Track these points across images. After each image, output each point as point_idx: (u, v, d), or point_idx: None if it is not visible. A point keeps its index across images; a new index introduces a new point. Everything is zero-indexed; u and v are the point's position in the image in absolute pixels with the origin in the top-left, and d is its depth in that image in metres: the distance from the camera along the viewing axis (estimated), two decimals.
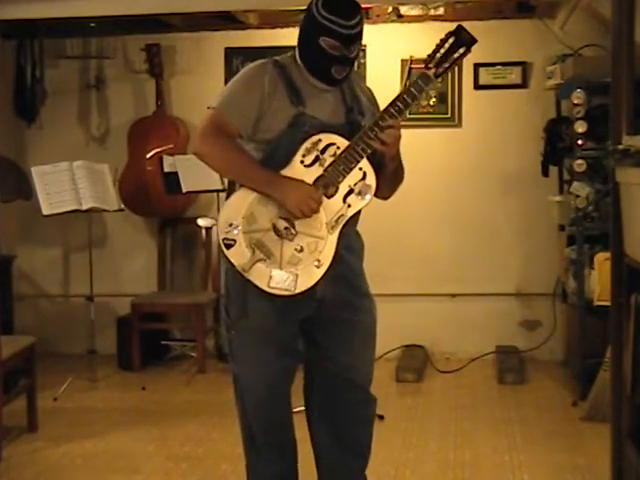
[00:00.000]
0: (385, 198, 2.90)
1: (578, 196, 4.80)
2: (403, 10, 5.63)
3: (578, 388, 4.75)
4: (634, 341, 2.94)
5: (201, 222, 5.75)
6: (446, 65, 2.65)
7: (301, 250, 2.67)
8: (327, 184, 2.66)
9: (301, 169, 2.66)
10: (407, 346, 5.81)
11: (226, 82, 5.93)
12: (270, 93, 2.69)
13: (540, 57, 5.66)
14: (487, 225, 5.84)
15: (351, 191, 2.68)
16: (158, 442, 4.27)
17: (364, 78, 5.68)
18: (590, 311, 4.64)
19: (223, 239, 2.68)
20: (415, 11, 5.64)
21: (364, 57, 5.79)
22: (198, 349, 5.57)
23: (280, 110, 2.69)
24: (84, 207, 5.19)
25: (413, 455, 4.01)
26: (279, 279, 2.66)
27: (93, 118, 6.20)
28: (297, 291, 2.66)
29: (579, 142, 4.77)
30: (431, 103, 5.82)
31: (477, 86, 5.81)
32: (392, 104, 2.64)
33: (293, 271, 2.66)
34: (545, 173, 5.43)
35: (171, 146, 5.84)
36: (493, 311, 5.81)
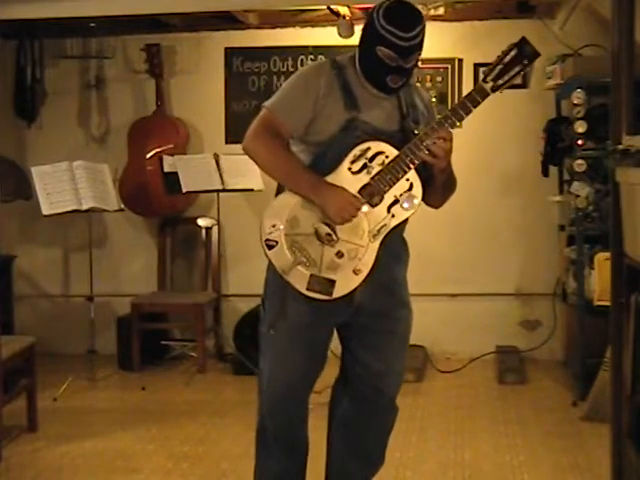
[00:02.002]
0: (436, 207, 2.91)
1: (578, 196, 4.80)
2: None
3: (578, 388, 4.75)
4: (634, 341, 2.95)
5: (201, 222, 5.76)
6: (505, 79, 2.61)
7: (341, 256, 2.67)
8: (372, 193, 2.66)
9: (348, 176, 2.66)
10: None
11: (226, 82, 6.02)
12: (325, 95, 2.68)
13: (540, 57, 5.64)
14: (487, 225, 5.84)
15: (396, 201, 2.68)
16: (158, 442, 4.27)
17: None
18: (590, 311, 4.64)
19: (265, 240, 2.70)
20: None
21: None
22: (198, 349, 5.57)
23: (334, 113, 2.68)
24: (84, 207, 5.19)
25: (413, 455, 4.01)
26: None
27: (93, 118, 6.20)
28: (334, 296, 2.68)
29: (579, 142, 4.77)
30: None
31: None
32: (445, 116, 2.62)
33: (332, 276, 2.67)
34: (545, 173, 5.43)
35: (171, 146, 5.84)
36: (493, 311, 5.81)
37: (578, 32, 5.46)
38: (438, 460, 3.95)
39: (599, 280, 4.51)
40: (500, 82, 2.62)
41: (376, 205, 2.67)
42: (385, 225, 2.69)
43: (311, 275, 2.67)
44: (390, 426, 2.99)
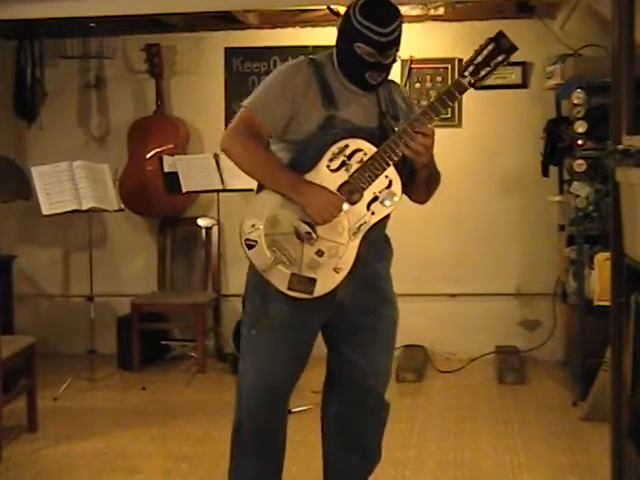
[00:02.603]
0: (421, 203, 2.91)
1: (578, 196, 4.80)
2: (403, 10, 5.54)
3: (578, 388, 4.75)
4: (634, 341, 2.94)
5: (201, 222, 5.76)
6: (482, 74, 2.61)
7: (321, 254, 2.67)
8: (352, 190, 2.66)
9: (327, 173, 2.66)
10: (407, 346, 5.80)
11: (226, 82, 6.02)
12: (303, 93, 2.68)
13: (540, 57, 5.66)
14: (487, 225, 5.84)
15: (376, 198, 2.67)
16: (158, 442, 4.27)
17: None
18: (590, 311, 4.64)
19: (245, 239, 2.69)
20: (415, 11, 5.64)
21: None
22: (198, 349, 5.57)
23: (312, 111, 2.67)
24: (84, 207, 5.19)
25: (413, 455, 4.01)
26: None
27: (93, 118, 6.20)
28: (315, 295, 2.67)
29: (579, 142, 4.76)
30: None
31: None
32: (423, 112, 2.62)
33: (312, 275, 2.66)
34: (545, 173, 5.43)
35: (171, 146, 5.84)
36: (493, 311, 5.81)
37: (578, 32, 5.46)
38: (438, 460, 3.95)
39: (599, 280, 4.51)
40: (478, 77, 2.62)
41: (355, 203, 2.67)
42: (365, 222, 2.68)
43: (292, 274, 2.67)
44: (383, 422, 2.98)
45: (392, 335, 2.92)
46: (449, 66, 5.74)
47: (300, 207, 2.65)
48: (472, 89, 2.65)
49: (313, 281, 2.67)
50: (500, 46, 2.59)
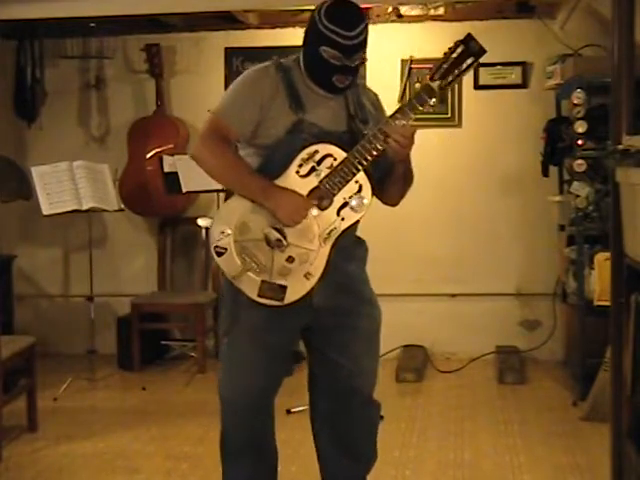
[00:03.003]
0: (393, 204, 2.89)
1: (578, 196, 4.80)
2: (403, 10, 5.63)
3: (578, 388, 4.75)
4: (634, 341, 2.94)
5: (201, 222, 5.74)
6: (451, 78, 2.59)
7: (292, 261, 2.65)
8: (322, 196, 2.64)
9: (296, 179, 2.64)
10: (407, 346, 5.80)
11: (226, 82, 6.02)
12: (271, 98, 2.66)
13: (540, 57, 5.66)
14: (487, 225, 5.84)
15: (346, 204, 2.65)
16: (158, 442, 4.27)
17: (364, 77, 5.68)
18: (590, 311, 4.64)
19: (215, 247, 2.68)
20: (415, 11, 5.64)
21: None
22: (198, 349, 5.57)
23: (280, 116, 2.66)
24: (84, 207, 5.19)
25: (413, 455, 4.01)
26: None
27: (93, 118, 6.21)
28: (286, 302, 2.65)
29: (579, 142, 4.76)
30: (431, 103, 5.81)
31: (477, 86, 5.80)
32: (392, 116, 2.61)
33: (283, 282, 2.65)
34: (545, 173, 5.43)
35: (171, 146, 5.84)
36: (493, 311, 5.80)
37: (578, 32, 5.46)
38: (438, 460, 3.95)
39: (599, 280, 4.51)
40: (447, 80, 2.61)
41: (325, 209, 2.65)
42: (335, 228, 2.66)
43: (262, 281, 2.65)
44: (374, 422, 2.96)
45: (375, 334, 2.89)
46: None
47: (270, 212, 2.64)
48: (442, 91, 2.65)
49: (284, 288, 2.65)
50: (469, 49, 2.56)
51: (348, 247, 2.77)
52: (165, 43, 5.97)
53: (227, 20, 5.76)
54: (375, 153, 2.59)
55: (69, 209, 5.16)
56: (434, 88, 2.61)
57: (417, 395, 5.05)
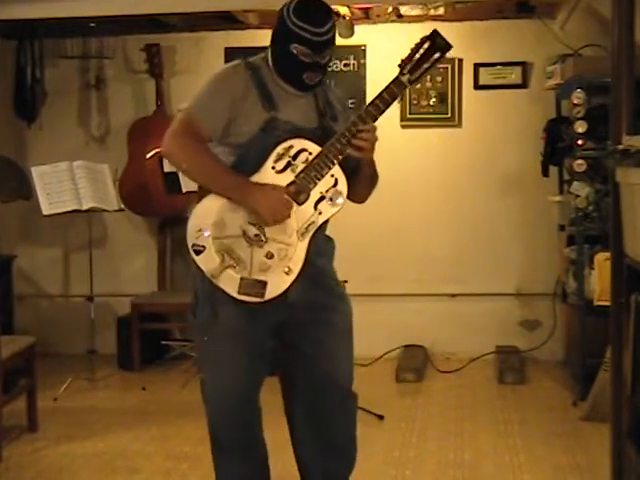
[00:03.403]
0: (360, 202, 2.89)
1: (578, 196, 4.80)
2: (403, 10, 5.63)
3: (578, 388, 4.75)
4: (634, 341, 2.94)
5: None
6: (420, 71, 2.65)
7: (271, 257, 2.65)
8: (298, 191, 2.65)
9: (272, 175, 2.65)
10: (407, 346, 5.81)
11: None
12: (242, 96, 2.67)
13: (540, 57, 5.66)
14: (487, 225, 5.84)
15: (322, 198, 2.67)
16: (158, 442, 4.27)
17: (364, 78, 5.69)
18: (590, 311, 4.64)
19: (192, 245, 2.68)
20: (415, 11, 5.64)
21: (364, 57, 5.79)
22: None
23: (252, 114, 2.67)
24: (84, 207, 5.20)
25: (413, 455, 4.01)
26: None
27: (93, 118, 6.21)
28: (267, 298, 2.65)
29: (579, 142, 4.76)
30: (431, 103, 5.82)
31: (477, 86, 5.81)
32: (365, 110, 2.64)
33: (263, 278, 2.65)
34: (545, 173, 5.43)
35: None
36: (493, 311, 5.81)
37: (578, 32, 5.46)
38: (438, 460, 3.95)
39: (599, 280, 4.51)
40: (416, 75, 2.66)
41: (303, 203, 2.66)
42: (313, 222, 2.67)
43: (242, 278, 2.65)
44: (353, 414, 2.94)
45: (349, 328, 2.89)
46: (449, 66, 5.73)
47: (249, 209, 2.64)
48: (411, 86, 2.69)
49: (264, 284, 2.64)
50: (435, 44, 2.64)
51: (319, 242, 2.77)
52: (165, 43, 5.97)
53: (227, 20, 5.76)
54: (350, 147, 2.62)
55: (69, 209, 5.17)
56: (404, 82, 2.66)
57: (417, 395, 5.05)
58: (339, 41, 5.60)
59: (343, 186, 2.68)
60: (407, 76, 2.65)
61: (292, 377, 2.90)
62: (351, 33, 5.54)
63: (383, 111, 2.64)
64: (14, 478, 3.85)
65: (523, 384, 5.20)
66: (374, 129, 2.64)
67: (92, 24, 5.76)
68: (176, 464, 3.95)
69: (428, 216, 5.87)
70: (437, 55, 2.64)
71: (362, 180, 2.78)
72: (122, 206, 5.49)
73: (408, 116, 5.83)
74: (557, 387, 5.14)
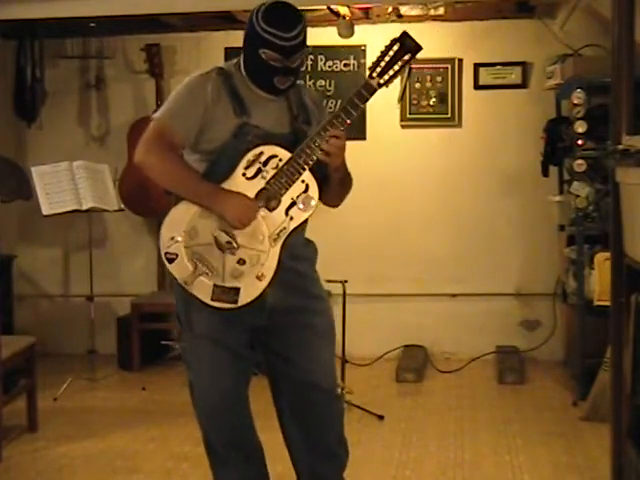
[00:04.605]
0: (334, 206, 2.90)
1: (578, 196, 4.80)
2: (403, 10, 5.63)
3: (578, 388, 4.76)
4: (634, 341, 2.94)
5: None
6: (390, 74, 2.64)
7: (243, 263, 2.66)
8: (269, 197, 2.66)
9: (243, 182, 2.66)
10: (407, 346, 5.81)
11: None
12: (213, 103, 2.67)
13: (540, 57, 5.66)
14: (487, 225, 5.84)
15: (293, 203, 2.68)
16: (158, 442, 4.27)
17: (364, 78, 5.68)
18: (590, 311, 4.64)
19: (165, 253, 2.70)
20: (415, 11, 5.64)
21: (364, 57, 5.79)
22: None
23: (223, 120, 2.67)
24: (84, 207, 5.20)
25: (413, 455, 4.01)
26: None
27: (93, 118, 6.21)
28: (240, 304, 2.66)
29: (579, 142, 4.77)
30: (431, 103, 5.82)
31: (477, 86, 5.81)
32: (335, 115, 2.64)
33: (236, 284, 2.65)
34: (545, 173, 5.43)
35: None
36: (493, 311, 5.81)
37: (578, 32, 5.46)
38: (438, 460, 3.95)
39: (599, 280, 4.51)
40: (386, 77, 2.65)
41: (274, 209, 2.67)
42: (284, 228, 2.68)
43: (214, 285, 2.66)
44: (338, 416, 2.95)
45: (330, 330, 2.90)
46: (449, 66, 5.74)
47: (218, 215, 2.65)
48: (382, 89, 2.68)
49: (237, 290, 2.66)
50: (405, 46, 2.64)
51: (297, 246, 2.78)
52: (165, 43, 5.97)
53: (227, 20, 5.76)
54: (320, 152, 2.63)
55: (69, 209, 5.17)
56: (373, 85, 2.65)
57: (417, 395, 5.05)
58: (338, 42, 5.66)
59: (314, 191, 2.69)
60: (377, 79, 2.64)
61: (277, 381, 2.91)
62: (351, 33, 5.54)
63: (354, 116, 2.64)
64: (14, 478, 3.85)
65: (523, 384, 5.20)
66: (342, 135, 2.64)
67: (92, 24, 5.76)
68: (176, 464, 3.95)
69: (428, 216, 5.87)
70: (407, 57, 2.64)
71: (332, 186, 2.78)
72: (122, 206, 5.49)
73: (408, 116, 5.83)
74: (557, 387, 5.14)
